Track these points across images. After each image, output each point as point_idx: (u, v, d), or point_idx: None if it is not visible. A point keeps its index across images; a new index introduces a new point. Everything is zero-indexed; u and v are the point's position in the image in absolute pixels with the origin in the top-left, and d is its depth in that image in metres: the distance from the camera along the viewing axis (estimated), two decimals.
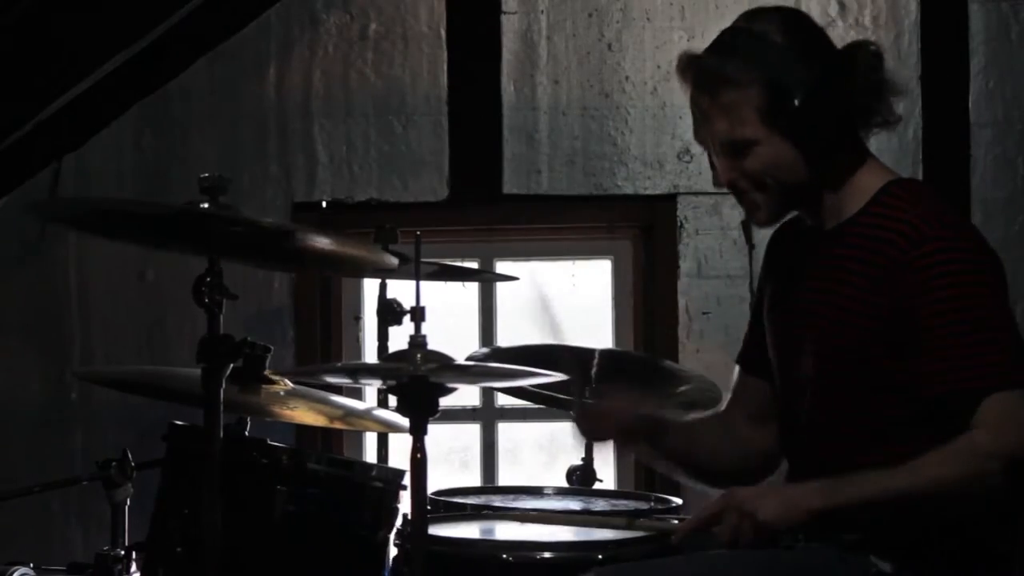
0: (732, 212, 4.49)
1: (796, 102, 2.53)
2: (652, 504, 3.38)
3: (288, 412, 3.28)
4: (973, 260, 2.49)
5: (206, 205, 2.69)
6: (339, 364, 4.37)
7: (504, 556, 2.72)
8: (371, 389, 4.05)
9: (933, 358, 2.45)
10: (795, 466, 2.71)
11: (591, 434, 2.93)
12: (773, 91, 2.53)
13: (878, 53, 2.58)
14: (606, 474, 4.22)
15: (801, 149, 2.56)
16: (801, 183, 2.60)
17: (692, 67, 2.61)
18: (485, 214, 4.63)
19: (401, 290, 3.82)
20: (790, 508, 2.46)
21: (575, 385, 3.34)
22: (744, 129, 2.57)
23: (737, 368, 2.88)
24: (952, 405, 2.44)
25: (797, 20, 2.63)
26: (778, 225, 2.76)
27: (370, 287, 4.48)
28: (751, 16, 2.63)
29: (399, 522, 3.14)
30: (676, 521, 2.84)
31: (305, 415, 3.34)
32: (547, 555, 2.72)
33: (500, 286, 4.65)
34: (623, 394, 3.07)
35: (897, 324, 2.48)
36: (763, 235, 4.46)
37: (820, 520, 2.47)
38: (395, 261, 3.03)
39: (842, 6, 4.54)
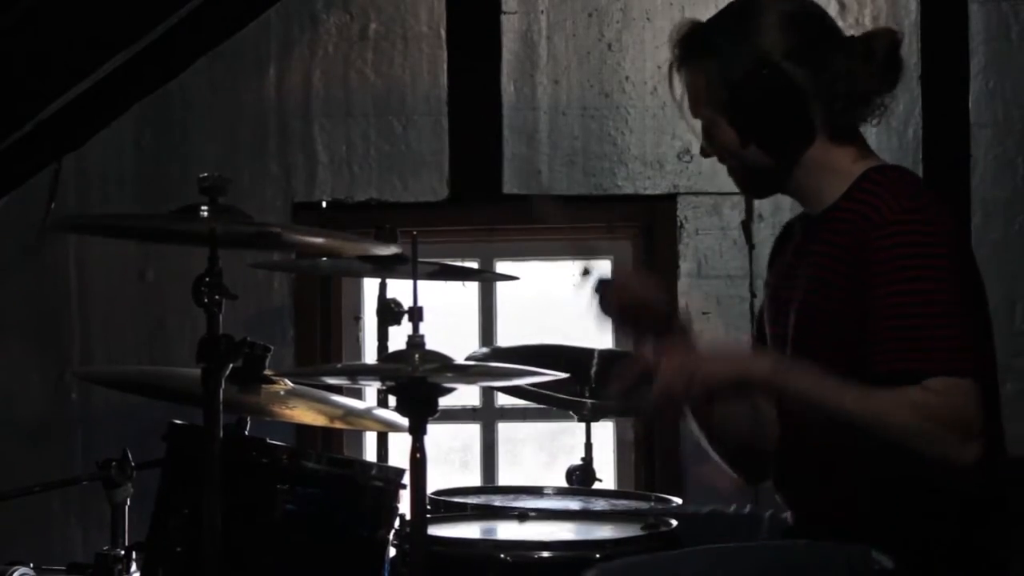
0: (732, 212, 4.50)
1: (731, 89, 2.60)
2: (652, 504, 3.38)
3: (288, 412, 3.28)
4: (930, 244, 2.48)
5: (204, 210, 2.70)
6: (339, 364, 4.37)
7: (503, 556, 2.72)
8: (371, 389, 4.05)
9: (881, 338, 2.46)
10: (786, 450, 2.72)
11: (605, 302, 2.86)
12: (717, 72, 2.61)
13: (894, 40, 2.65)
14: (606, 474, 4.23)
15: (744, 134, 2.62)
16: (761, 166, 2.65)
17: (675, 41, 2.70)
18: (485, 214, 4.64)
19: (401, 290, 3.83)
20: (734, 367, 2.47)
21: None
22: (700, 106, 2.67)
23: None
24: (899, 382, 2.43)
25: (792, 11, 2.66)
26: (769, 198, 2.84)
27: (370, 287, 4.48)
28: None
29: (397, 522, 3.14)
30: (674, 522, 2.83)
31: (305, 415, 3.34)
32: (546, 555, 2.73)
33: (500, 286, 4.65)
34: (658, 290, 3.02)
35: (863, 306, 2.49)
36: (763, 235, 4.50)
37: (760, 392, 2.51)
38: (392, 249, 3.05)
39: (842, 6, 4.55)
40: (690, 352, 2.51)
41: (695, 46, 2.66)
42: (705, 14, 4.60)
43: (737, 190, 2.81)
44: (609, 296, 2.83)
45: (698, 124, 2.72)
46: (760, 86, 2.58)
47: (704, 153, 2.74)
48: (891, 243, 2.48)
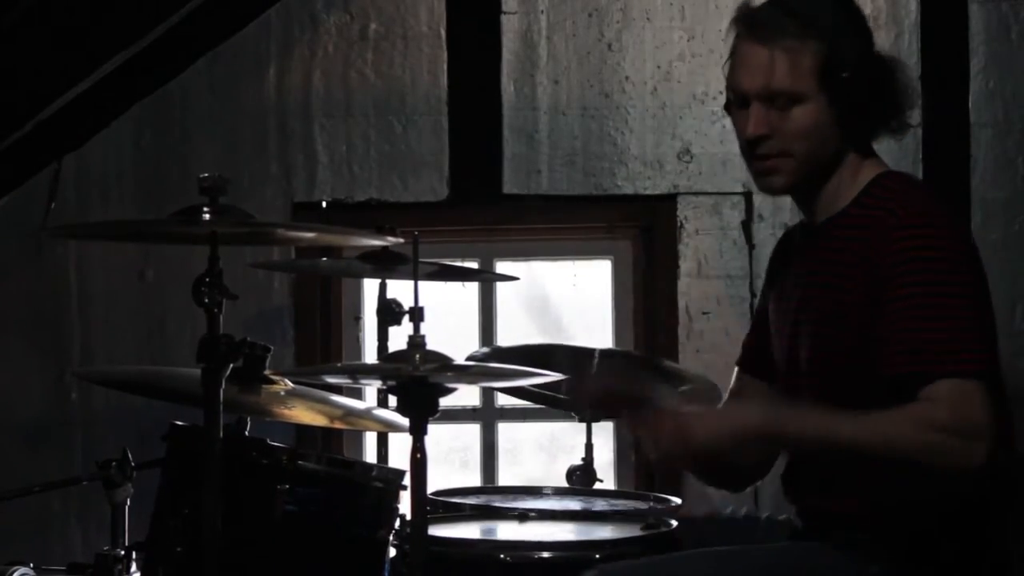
0: (732, 212, 4.49)
1: (847, 71, 2.58)
2: (652, 504, 3.38)
3: (288, 412, 3.29)
4: (940, 247, 2.49)
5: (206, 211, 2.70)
6: (339, 364, 4.37)
7: (503, 556, 2.72)
8: (371, 389, 4.05)
9: (892, 339, 2.46)
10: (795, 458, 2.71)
11: (586, 400, 2.88)
12: (831, 53, 2.58)
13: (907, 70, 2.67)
14: (606, 474, 4.23)
15: (841, 118, 2.60)
16: (825, 156, 2.63)
17: (757, 13, 2.64)
18: (485, 214, 4.64)
19: (401, 290, 3.83)
20: (725, 423, 2.46)
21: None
22: (799, 81, 2.59)
23: (736, 371, 2.89)
24: (907, 386, 2.43)
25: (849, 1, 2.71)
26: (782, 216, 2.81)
27: (370, 287, 4.48)
28: None
29: (398, 522, 3.14)
30: (675, 523, 2.84)
31: (305, 415, 3.35)
32: (546, 555, 2.73)
33: (500, 286, 4.65)
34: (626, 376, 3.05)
35: (875, 311, 2.49)
36: (763, 235, 4.50)
37: (757, 442, 2.48)
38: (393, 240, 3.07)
39: None
40: (679, 416, 2.49)
41: (803, 22, 2.60)
42: (705, 15, 4.64)
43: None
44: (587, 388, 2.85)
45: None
46: (871, 75, 2.59)
47: (754, 132, 2.62)
48: (899, 248, 2.48)
